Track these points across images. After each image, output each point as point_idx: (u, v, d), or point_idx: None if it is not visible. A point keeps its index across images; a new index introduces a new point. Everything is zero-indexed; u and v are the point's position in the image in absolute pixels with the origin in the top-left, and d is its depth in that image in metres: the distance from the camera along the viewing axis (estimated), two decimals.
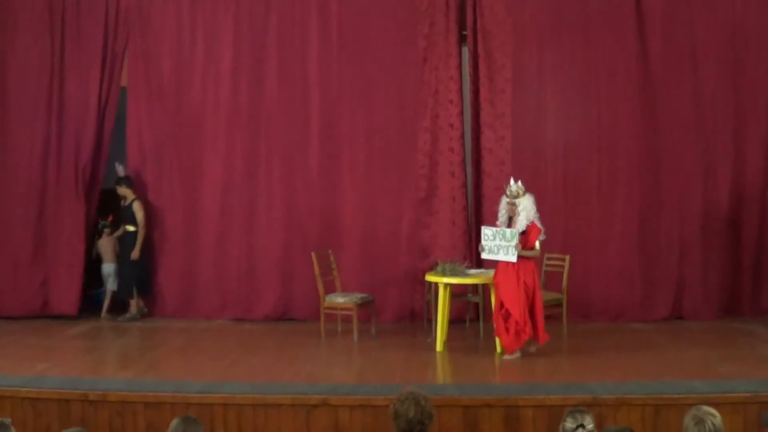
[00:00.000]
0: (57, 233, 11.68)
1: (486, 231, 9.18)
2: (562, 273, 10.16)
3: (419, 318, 11.15)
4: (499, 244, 9.03)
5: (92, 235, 11.92)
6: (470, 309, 11.07)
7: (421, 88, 11.31)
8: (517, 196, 9.11)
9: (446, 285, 9.66)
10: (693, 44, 11.13)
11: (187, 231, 11.70)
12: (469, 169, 11.35)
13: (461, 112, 11.28)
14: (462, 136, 11.29)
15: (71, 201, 11.67)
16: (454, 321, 10.52)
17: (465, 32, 11.30)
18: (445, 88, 11.28)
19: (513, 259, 8.97)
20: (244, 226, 11.64)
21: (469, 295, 10.79)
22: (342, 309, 10.36)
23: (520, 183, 9.18)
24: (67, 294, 11.55)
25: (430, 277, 9.87)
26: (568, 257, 10.17)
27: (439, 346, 9.58)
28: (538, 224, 9.16)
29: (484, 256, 9.23)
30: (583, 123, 11.22)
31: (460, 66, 11.30)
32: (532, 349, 9.20)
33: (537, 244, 9.17)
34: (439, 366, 9.11)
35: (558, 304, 10.11)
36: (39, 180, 11.71)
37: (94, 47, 11.69)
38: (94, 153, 11.71)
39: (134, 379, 8.31)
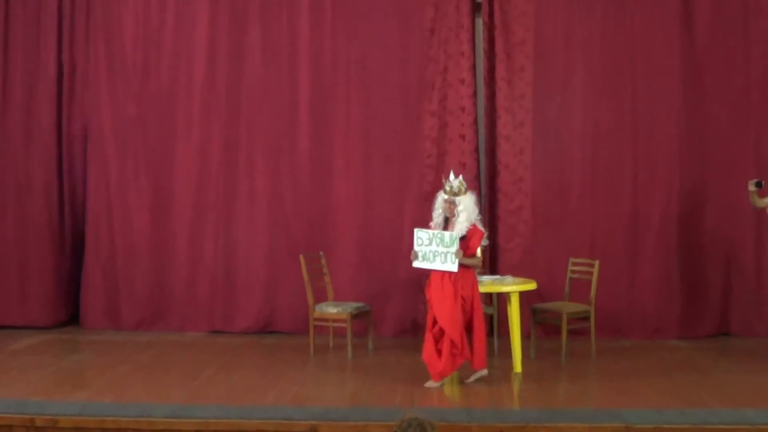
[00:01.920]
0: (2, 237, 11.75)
1: (420, 234, 8.86)
2: (589, 281, 10.06)
3: (423, 332, 10.89)
4: (435, 250, 8.73)
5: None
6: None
7: (428, 65, 11.29)
8: (458, 193, 8.78)
9: None
10: (746, 9, 11.04)
11: (155, 231, 11.69)
12: (483, 160, 11.30)
13: (474, 94, 11.23)
14: (475, 121, 11.24)
15: (21, 200, 11.71)
16: None
17: (479, 0, 11.22)
18: (456, 66, 11.22)
19: (453, 268, 8.65)
20: (221, 225, 11.62)
21: (482, 305, 10.60)
22: (334, 320, 10.27)
23: (461, 177, 8.89)
24: (13, 303, 11.62)
25: None
26: (596, 263, 10.05)
27: None
28: (480, 227, 8.87)
29: (416, 264, 8.92)
30: (616, 106, 11.13)
31: (473, 39, 11.23)
32: (471, 378, 8.93)
33: (478, 251, 8.91)
34: (447, 387, 8.96)
35: (585, 318, 10.02)
36: None
37: (46, 20, 11.64)
38: (51, 148, 11.68)
39: (90, 402, 8.18)
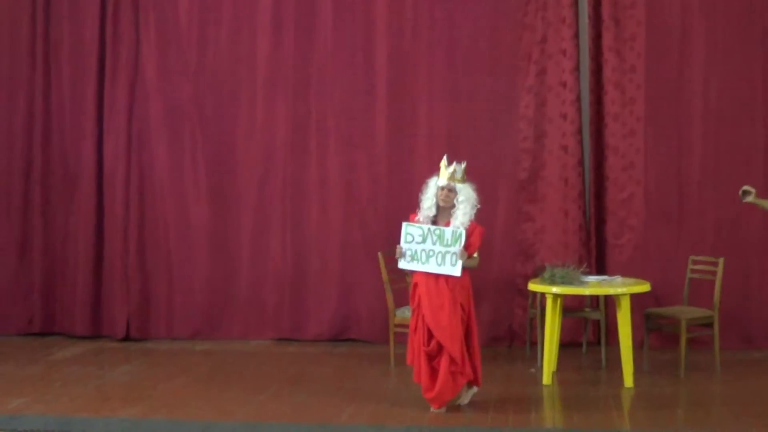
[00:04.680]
0: (49, 231, 11.93)
1: (411, 229, 8.49)
2: (713, 282, 9.93)
3: (519, 340, 11.11)
4: (431, 248, 8.39)
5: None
6: (588, 329, 10.95)
7: (523, 34, 11.24)
8: (460, 181, 8.48)
9: (556, 297, 9.52)
10: None
11: (214, 226, 11.77)
12: (587, 142, 11.19)
13: (577, 67, 11.14)
14: (578, 98, 11.17)
15: (68, 189, 11.90)
16: (567, 344, 10.45)
17: None
18: (556, 34, 11.15)
19: (455, 271, 8.32)
20: (289, 218, 11.67)
21: (587, 310, 10.62)
22: None
23: (464, 165, 8.56)
24: (69, 308, 11.79)
25: (535, 286, 9.73)
26: (721, 261, 9.91)
27: (546, 378, 9.49)
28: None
29: (403, 265, 8.62)
30: (743, 79, 10.94)
31: (576, 4, 11.16)
32: (465, 400, 8.65)
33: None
34: (547, 404, 8.97)
35: (707, 324, 9.91)
36: (22, 163, 11.97)
37: None
38: (92, 134, 11.80)
39: (142, 419, 8.27)
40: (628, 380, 9.25)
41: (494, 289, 11.15)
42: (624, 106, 11.03)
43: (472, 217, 8.42)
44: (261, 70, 11.59)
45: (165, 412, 8.51)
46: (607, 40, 10.99)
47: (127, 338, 11.63)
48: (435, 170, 11.01)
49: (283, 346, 11.34)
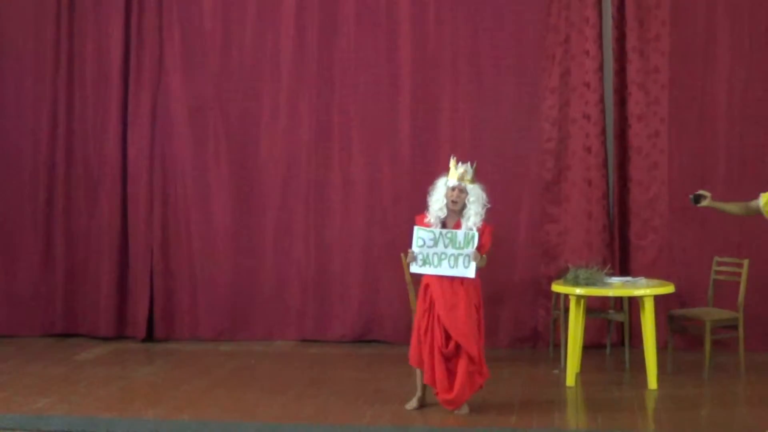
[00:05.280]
0: (72, 232, 11.97)
1: (422, 233, 8.47)
2: (737, 284, 9.86)
3: (542, 342, 11.08)
4: (443, 251, 8.38)
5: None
6: (612, 330, 10.94)
7: (547, 34, 11.19)
8: (470, 181, 8.47)
9: (580, 298, 9.49)
10: None
11: (237, 227, 11.77)
12: (611, 144, 11.15)
13: (601, 67, 11.09)
14: (601, 99, 11.12)
15: (91, 190, 11.94)
16: (591, 346, 10.40)
17: None
18: (579, 35, 11.11)
19: (469, 273, 8.31)
20: (312, 219, 11.67)
21: (611, 311, 10.60)
22: None
23: (474, 165, 8.55)
24: (92, 309, 11.86)
25: (558, 288, 9.71)
26: (746, 262, 9.86)
27: (569, 380, 9.48)
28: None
29: (415, 269, 8.57)
30: None
31: (599, 4, 11.10)
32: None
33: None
34: (571, 406, 8.94)
35: (732, 326, 9.82)
36: (45, 165, 12.00)
37: None
38: (116, 136, 11.84)
39: (165, 420, 8.29)
40: (652, 382, 9.22)
41: (518, 291, 11.14)
42: (648, 107, 10.97)
43: (483, 216, 8.44)
44: (284, 72, 11.58)
45: (188, 412, 8.53)
46: (631, 40, 10.95)
47: (150, 339, 11.66)
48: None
49: (307, 347, 11.34)
